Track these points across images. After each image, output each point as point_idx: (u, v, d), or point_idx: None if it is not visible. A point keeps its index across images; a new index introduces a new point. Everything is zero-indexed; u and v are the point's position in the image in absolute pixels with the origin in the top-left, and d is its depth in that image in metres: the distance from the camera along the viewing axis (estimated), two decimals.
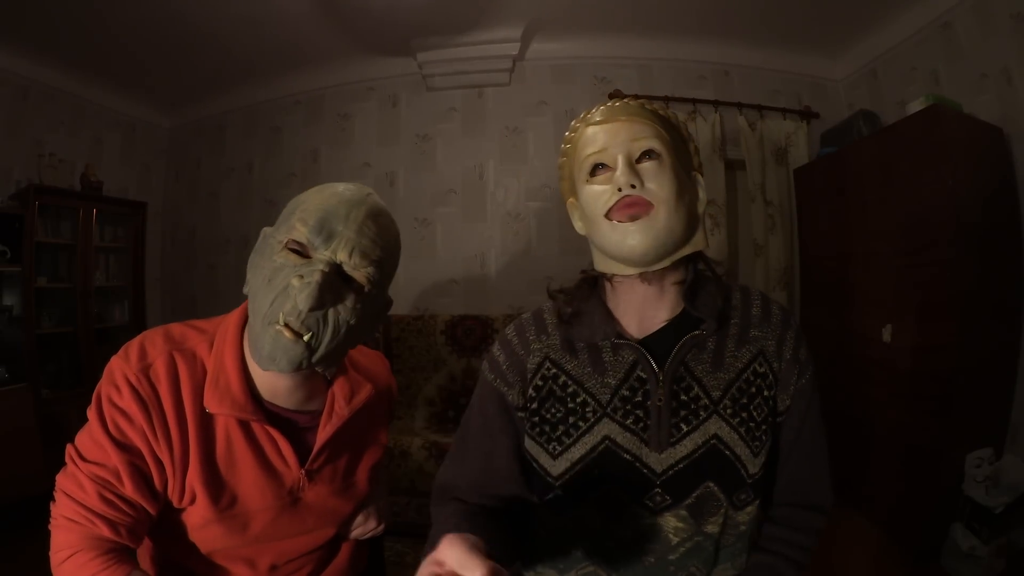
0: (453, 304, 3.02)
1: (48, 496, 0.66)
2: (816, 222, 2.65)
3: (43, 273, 2.80)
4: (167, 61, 2.95)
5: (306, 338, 0.60)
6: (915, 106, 2.05)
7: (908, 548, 1.93)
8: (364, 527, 0.82)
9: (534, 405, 0.70)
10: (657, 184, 0.62)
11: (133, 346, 0.67)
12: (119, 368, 0.64)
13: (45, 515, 0.65)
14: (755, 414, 0.66)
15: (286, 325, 0.60)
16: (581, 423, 0.67)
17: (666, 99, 2.79)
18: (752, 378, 0.66)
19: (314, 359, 0.63)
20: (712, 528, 0.66)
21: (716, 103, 2.87)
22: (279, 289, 0.60)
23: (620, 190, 0.61)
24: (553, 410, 0.68)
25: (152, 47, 2.78)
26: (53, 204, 2.83)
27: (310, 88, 3.28)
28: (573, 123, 0.71)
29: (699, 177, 0.70)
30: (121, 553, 0.64)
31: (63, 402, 2.71)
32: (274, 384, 0.69)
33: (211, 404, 0.66)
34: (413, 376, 2.71)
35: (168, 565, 0.74)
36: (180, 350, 0.68)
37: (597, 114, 0.67)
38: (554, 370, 0.69)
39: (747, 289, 0.72)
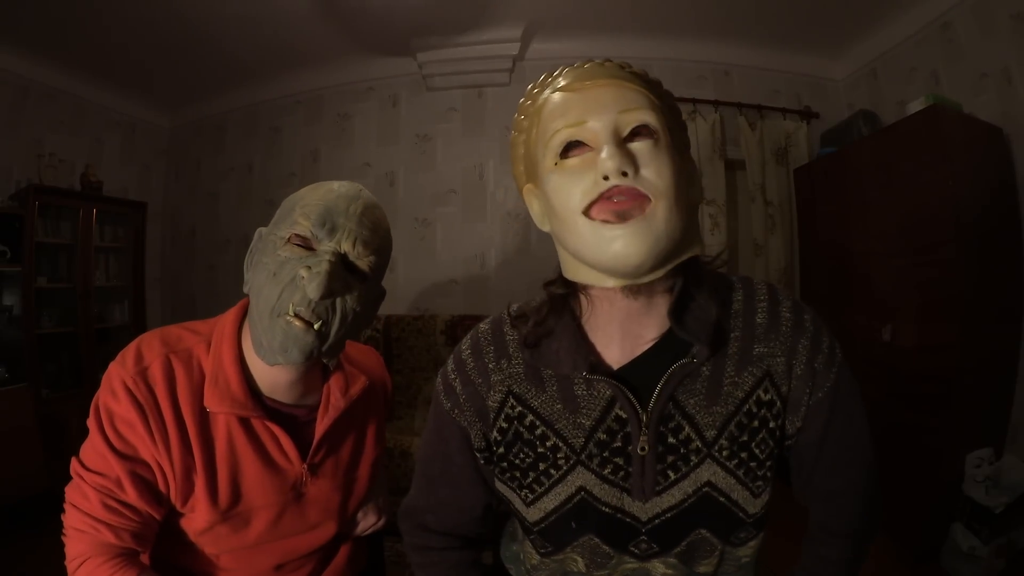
0: (453, 304, 3.02)
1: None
2: (816, 222, 2.65)
3: (43, 273, 2.80)
4: (167, 61, 2.95)
5: (317, 326, 0.62)
6: (915, 106, 2.05)
7: (908, 548, 1.93)
8: (365, 522, 0.83)
9: (500, 450, 0.59)
10: (655, 171, 0.46)
11: (129, 351, 0.67)
12: (116, 374, 0.64)
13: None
14: (757, 452, 0.55)
15: (296, 315, 0.61)
16: (553, 471, 0.56)
17: None
18: (755, 409, 0.54)
19: (324, 347, 0.64)
20: (706, 568, 0.58)
21: (716, 103, 2.87)
22: (286, 281, 0.62)
23: (606, 178, 0.45)
24: (522, 455, 0.58)
25: (152, 47, 2.78)
26: (53, 204, 2.82)
27: (310, 88, 3.27)
28: (530, 88, 0.55)
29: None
30: (130, 557, 0.64)
31: (63, 402, 2.70)
32: (274, 379, 0.69)
33: (211, 403, 0.66)
34: (413, 376, 2.71)
35: (172, 570, 0.73)
36: (176, 352, 0.68)
37: (565, 75, 0.52)
38: (519, 408, 0.57)
39: (751, 286, 0.58)
